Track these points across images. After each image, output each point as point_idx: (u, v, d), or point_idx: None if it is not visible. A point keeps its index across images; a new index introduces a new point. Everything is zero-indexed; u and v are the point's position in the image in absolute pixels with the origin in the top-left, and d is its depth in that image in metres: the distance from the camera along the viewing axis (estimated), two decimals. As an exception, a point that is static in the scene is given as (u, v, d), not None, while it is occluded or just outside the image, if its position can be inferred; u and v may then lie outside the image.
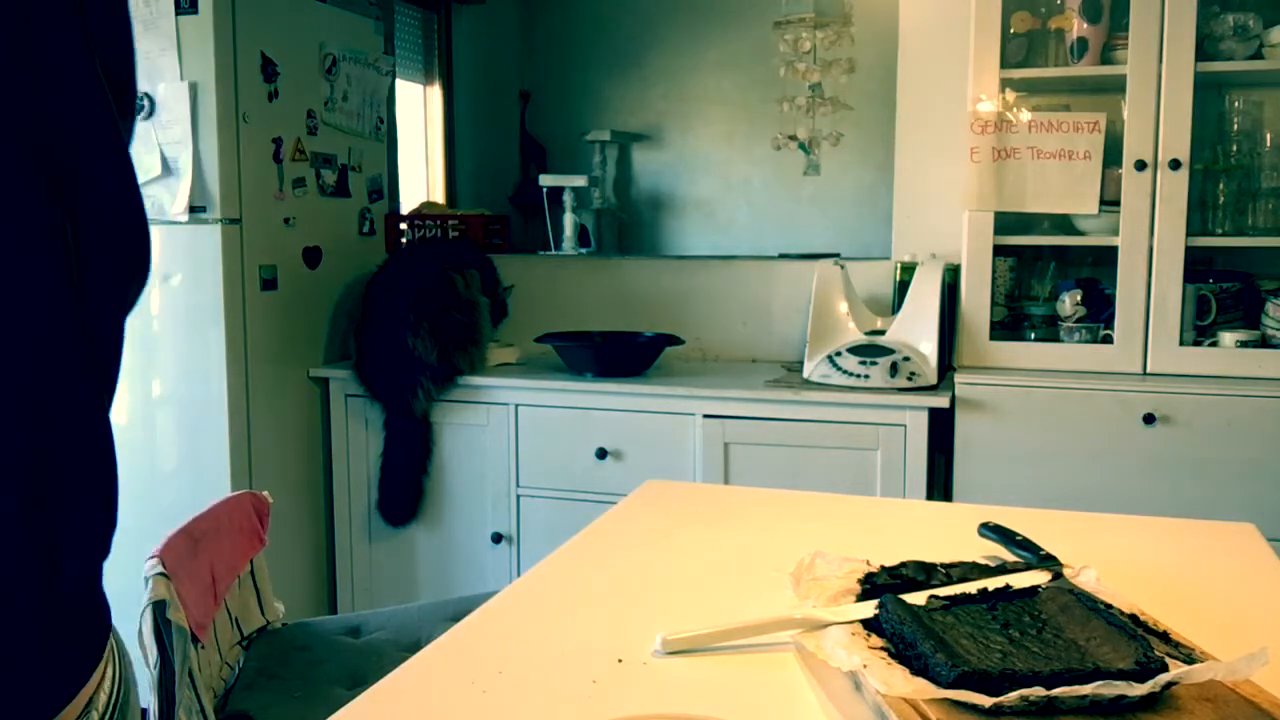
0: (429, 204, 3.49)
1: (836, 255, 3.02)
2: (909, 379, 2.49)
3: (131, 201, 0.69)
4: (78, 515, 0.64)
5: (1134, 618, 1.01)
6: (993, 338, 2.56)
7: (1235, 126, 2.53)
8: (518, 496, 2.77)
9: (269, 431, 2.75)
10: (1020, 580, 1.09)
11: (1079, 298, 2.54)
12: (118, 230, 0.68)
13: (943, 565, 1.15)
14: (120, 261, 0.68)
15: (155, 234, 2.61)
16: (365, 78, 3.06)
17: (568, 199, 3.35)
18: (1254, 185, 2.50)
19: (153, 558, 1.36)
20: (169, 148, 2.57)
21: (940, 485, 2.58)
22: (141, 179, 2.56)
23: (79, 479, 0.64)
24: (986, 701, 0.83)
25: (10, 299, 0.59)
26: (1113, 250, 2.47)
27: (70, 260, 0.62)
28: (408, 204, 3.49)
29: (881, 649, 0.96)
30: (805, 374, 2.64)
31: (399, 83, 3.47)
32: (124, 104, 0.70)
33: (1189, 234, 2.41)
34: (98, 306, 0.65)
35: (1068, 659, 0.89)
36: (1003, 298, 2.67)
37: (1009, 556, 1.26)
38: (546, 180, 3.36)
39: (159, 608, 1.31)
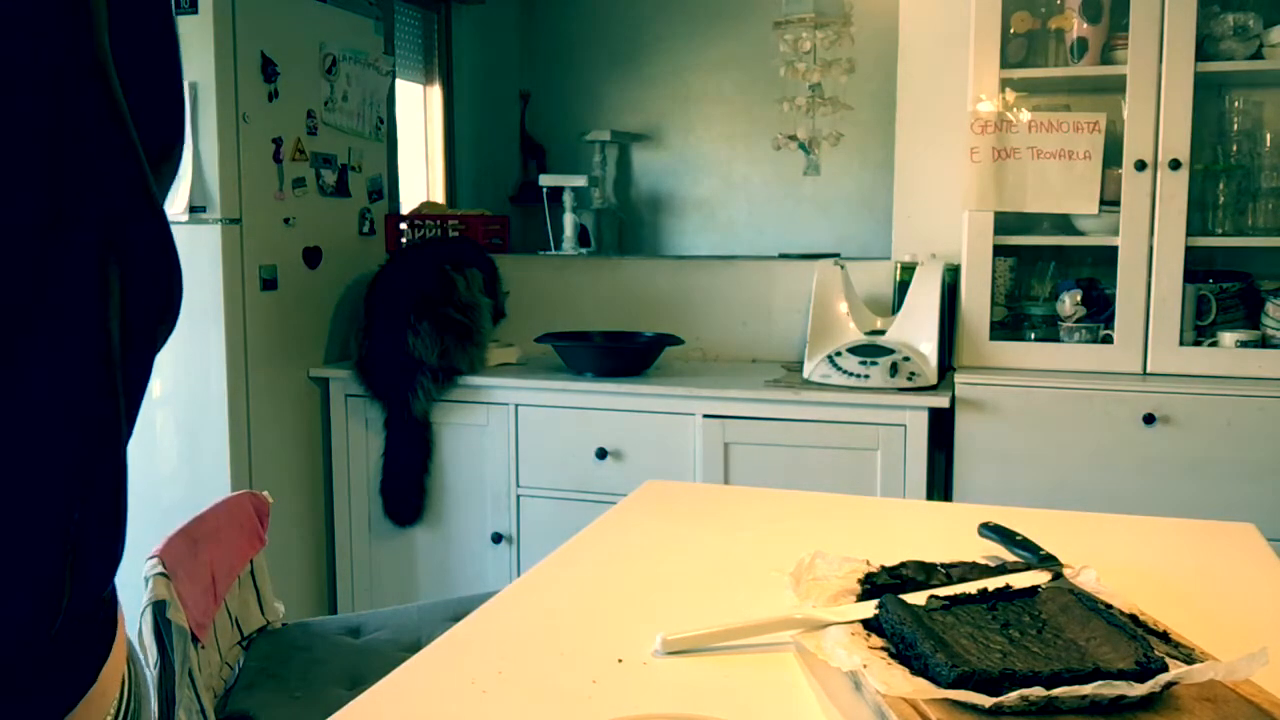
0: (429, 204, 3.49)
1: (836, 255, 3.02)
2: (909, 379, 2.49)
3: (169, 263, 0.71)
4: (97, 538, 0.64)
5: (1134, 618, 1.00)
6: (993, 338, 2.55)
7: (1235, 126, 2.53)
8: (518, 496, 2.77)
9: (269, 431, 2.75)
10: (1020, 580, 1.09)
11: (1079, 298, 2.54)
12: (156, 292, 0.70)
13: (943, 565, 1.16)
14: (155, 316, 0.71)
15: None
16: (365, 78, 3.06)
17: (568, 199, 3.35)
18: (1254, 185, 2.50)
19: (153, 558, 1.37)
20: (169, 148, 2.57)
21: (940, 485, 2.57)
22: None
23: (101, 513, 0.65)
24: (986, 701, 0.83)
25: (60, 366, 0.59)
26: (1113, 250, 2.47)
27: (116, 323, 0.64)
28: (408, 204, 3.49)
29: (881, 649, 0.96)
30: (805, 374, 2.63)
31: (399, 83, 3.47)
32: (163, 161, 0.71)
33: (1189, 234, 2.41)
34: (134, 368, 0.69)
35: (1068, 659, 0.89)
36: (1003, 298, 2.67)
37: (1009, 556, 1.26)
38: (546, 180, 3.36)
39: (159, 608, 1.31)
